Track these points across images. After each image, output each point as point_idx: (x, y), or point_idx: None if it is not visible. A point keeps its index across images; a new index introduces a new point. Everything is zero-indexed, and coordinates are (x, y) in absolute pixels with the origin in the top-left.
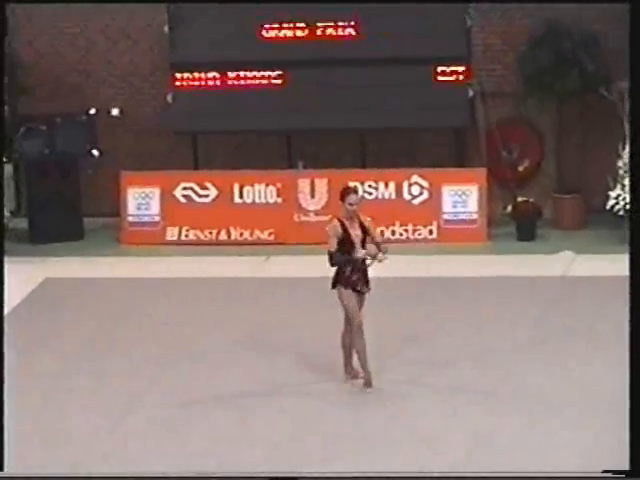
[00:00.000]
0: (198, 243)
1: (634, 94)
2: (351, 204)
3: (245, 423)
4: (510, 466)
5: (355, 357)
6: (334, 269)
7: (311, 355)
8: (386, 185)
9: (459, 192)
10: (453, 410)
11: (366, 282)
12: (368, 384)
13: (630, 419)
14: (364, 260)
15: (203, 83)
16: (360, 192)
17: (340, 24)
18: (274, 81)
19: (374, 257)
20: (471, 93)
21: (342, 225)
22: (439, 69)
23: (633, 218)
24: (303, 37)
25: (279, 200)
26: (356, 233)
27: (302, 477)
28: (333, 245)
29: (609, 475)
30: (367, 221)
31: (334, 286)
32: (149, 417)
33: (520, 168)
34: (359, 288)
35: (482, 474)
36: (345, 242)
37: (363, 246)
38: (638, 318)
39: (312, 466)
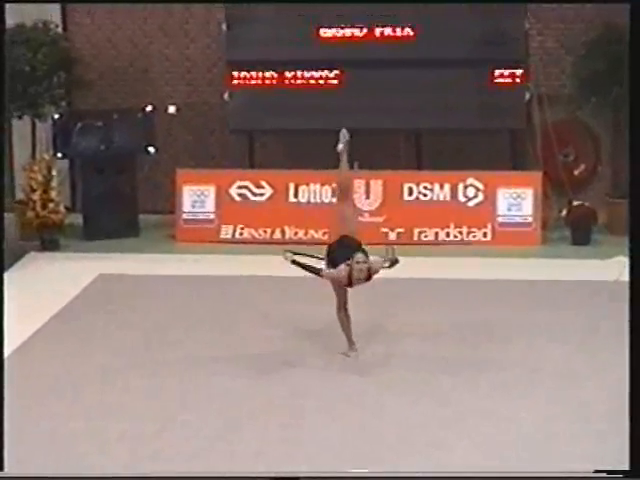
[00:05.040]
0: (252, 242)
1: (634, 94)
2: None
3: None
4: (510, 466)
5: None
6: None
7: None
8: (441, 187)
9: (514, 195)
10: (491, 414)
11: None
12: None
13: (630, 419)
14: None
15: (260, 82)
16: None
17: (398, 25)
18: (331, 81)
19: None
20: (528, 96)
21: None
22: (496, 71)
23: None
24: (361, 37)
25: (334, 200)
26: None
27: (302, 477)
28: None
29: (609, 475)
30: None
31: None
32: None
33: (576, 172)
34: None
35: (482, 474)
36: None
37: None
38: (638, 317)
39: (312, 466)
